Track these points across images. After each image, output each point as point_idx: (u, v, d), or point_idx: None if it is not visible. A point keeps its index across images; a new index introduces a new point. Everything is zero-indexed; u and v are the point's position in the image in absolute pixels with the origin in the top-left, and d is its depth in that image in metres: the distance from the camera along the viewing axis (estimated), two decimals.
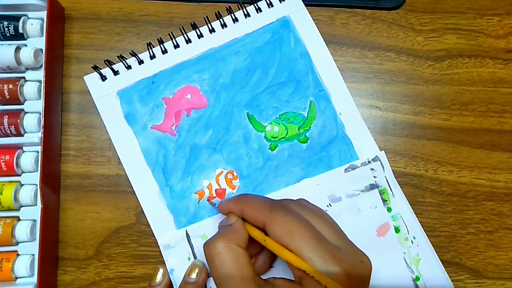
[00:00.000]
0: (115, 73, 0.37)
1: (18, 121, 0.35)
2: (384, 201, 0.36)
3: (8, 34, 0.36)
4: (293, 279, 0.27)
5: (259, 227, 0.28)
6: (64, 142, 0.38)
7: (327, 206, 0.35)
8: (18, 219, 0.35)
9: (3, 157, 0.35)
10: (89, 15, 0.40)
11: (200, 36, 0.38)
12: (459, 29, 0.40)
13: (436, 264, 0.35)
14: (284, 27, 0.39)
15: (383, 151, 0.37)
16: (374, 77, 0.39)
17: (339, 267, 0.25)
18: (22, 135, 0.36)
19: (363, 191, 0.36)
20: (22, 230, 0.34)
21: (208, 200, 0.36)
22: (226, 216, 0.31)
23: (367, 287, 0.27)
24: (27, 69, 0.37)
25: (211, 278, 0.34)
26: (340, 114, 0.38)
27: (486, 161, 0.38)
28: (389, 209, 0.36)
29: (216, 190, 0.36)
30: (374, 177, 0.36)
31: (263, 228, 0.28)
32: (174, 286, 0.34)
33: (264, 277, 0.28)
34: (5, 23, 0.36)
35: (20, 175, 0.35)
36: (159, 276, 0.34)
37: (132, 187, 0.36)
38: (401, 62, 0.40)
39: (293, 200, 0.31)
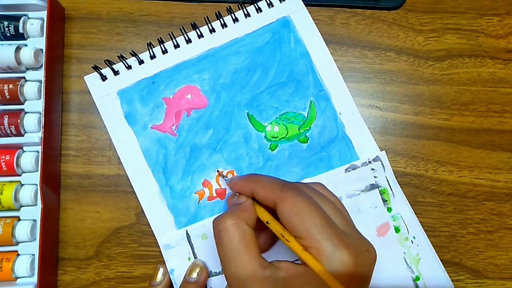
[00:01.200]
0: (115, 73, 0.37)
1: (18, 121, 0.35)
2: (384, 201, 0.36)
3: (8, 34, 0.36)
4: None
5: (268, 208, 0.28)
6: (64, 142, 0.38)
7: None
8: (18, 219, 0.35)
9: (3, 157, 0.35)
10: (89, 15, 0.40)
11: (200, 36, 0.38)
12: (459, 29, 0.40)
13: (436, 264, 0.35)
14: (284, 27, 0.39)
15: (383, 151, 0.37)
16: (374, 77, 0.39)
17: (346, 251, 0.25)
18: (22, 135, 0.36)
19: (363, 191, 0.36)
20: (22, 230, 0.34)
21: (219, 173, 0.36)
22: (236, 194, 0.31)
23: (370, 277, 0.27)
24: (27, 69, 0.37)
25: (212, 278, 0.34)
26: (340, 114, 0.38)
27: (486, 161, 0.38)
28: (389, 209, 0.36)
29: (216, 190, 0.36)
30: (375, 177, 0.36)
31: (273, 207, 0.27)
32: (174, 286, 0.34)
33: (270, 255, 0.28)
34: (5, 23, 0.36)
35: (20, 175, 0.35)
36: (159, 276, 0.34)
37: (132, 187, 0.36)
38: (401, 62, 0.40)
39: (307, 183, 0.31)
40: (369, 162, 0.36)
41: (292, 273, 0.26)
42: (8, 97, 0.36)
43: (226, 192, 0.36)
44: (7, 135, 0.36)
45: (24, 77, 0.37)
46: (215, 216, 0.35)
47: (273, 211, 0.28)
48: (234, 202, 0.30)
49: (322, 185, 0.31)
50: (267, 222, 0.27)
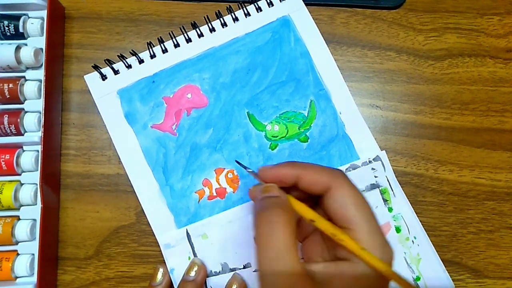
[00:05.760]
0: (115, 72, 0.37)
1: (18, 120, 0.35)
2: (385, 201, 0.36)
3: (8, 34, 0.36)
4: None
5: (308, 205, 0.25)
6: (64, 142, 0.38)
7: None
8: (18, 218, 0.35)
9: (3, 156, 0.35)
10: (89, 15, 0.40)
11: (200, 35, 0.38)
12: (460, 28, 0.40)
13: (437, 264, 0.35)
14: (284, 26, 0.39)
15: (384, 151, 0.37)
16: (375, 77, 0.39)
17: (390, 249, 0.23)
18: (22, 135, 0.36)
19: (364, 191, 0.36)
20: (22, 230, 0.34)
21: (237, 162, 0.32)
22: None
23: None
24: (27, 68, 0.37)
25: (211, 277, 0.34)
26: (340, 113, 0.38)
27: (486, 160, 0.38)
28: (390, 209, 0.36)
29: (216, 189, 0.36)
30: (375, 177, 0.36)
31: (321, 193, 0.25)
32: (174, 285, 0.34)
33: None
34: (6, 22, 0.36)
35: (20, 175, 0.35)
36: (159, 276, 0.34)
37: (132, 186, 0.36)
38: (401, 62, 0.40)
39: None
40: (370, 161, 0.36)
41: (331, 274, 0.24)
42: (8, 96, 0.36)
43: (227, 191, 0.36)
44: (7, 135, 0.36)
45: (24, 77, 0.37)
46: (215, 215, 0.35)
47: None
48: (268, 195, 0.26)
49: None
50: (311, 220, 0.24)
